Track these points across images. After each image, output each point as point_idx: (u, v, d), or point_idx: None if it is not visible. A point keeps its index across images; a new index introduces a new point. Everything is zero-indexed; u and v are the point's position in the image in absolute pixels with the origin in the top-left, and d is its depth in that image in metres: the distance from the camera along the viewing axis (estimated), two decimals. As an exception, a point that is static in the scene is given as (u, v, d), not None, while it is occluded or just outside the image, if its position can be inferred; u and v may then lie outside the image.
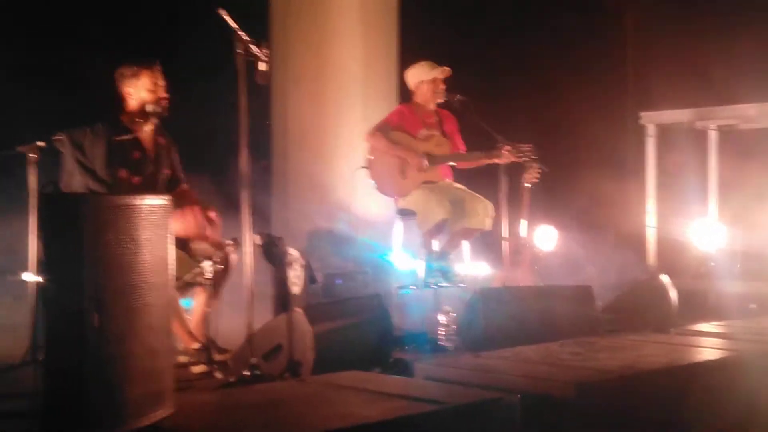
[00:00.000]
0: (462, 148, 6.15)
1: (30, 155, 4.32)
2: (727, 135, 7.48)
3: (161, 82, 4.72)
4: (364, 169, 6.02)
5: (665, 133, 7.42)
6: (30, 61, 7.01)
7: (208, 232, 4.75)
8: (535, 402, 3.34)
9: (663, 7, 8.69)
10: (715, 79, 7.82)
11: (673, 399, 3.69)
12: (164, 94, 4.71)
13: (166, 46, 6.80)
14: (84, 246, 2.95)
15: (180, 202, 4.70)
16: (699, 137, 7.54)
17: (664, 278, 5.77)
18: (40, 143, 4.38)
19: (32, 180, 4.32)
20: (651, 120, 7.39)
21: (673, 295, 5.68)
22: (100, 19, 7.28)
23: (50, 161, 4.49)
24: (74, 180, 4.51)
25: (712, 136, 7.43)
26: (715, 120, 7.32)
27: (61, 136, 4.51)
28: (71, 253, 2.96)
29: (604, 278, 6.51)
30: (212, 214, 4.76)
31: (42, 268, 3.02)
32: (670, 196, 7.41)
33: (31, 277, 4.25)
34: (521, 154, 5.72)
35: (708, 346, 4.36)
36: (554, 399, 3.37)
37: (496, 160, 5.75)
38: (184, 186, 4.93)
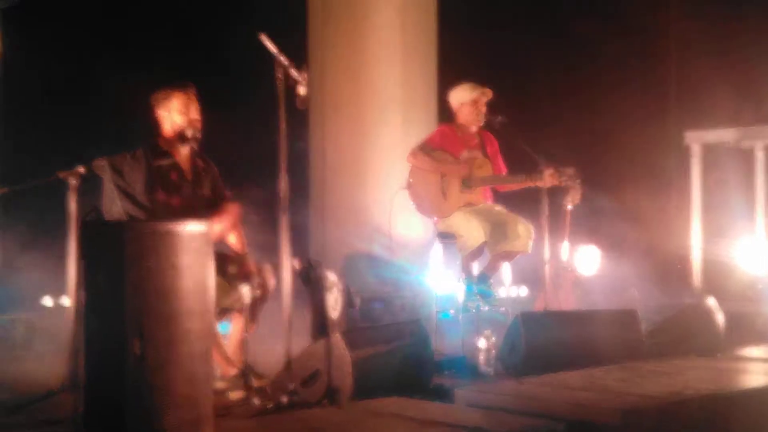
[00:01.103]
0: (503, 170, 6.11)
1: (70, 181, 4.35)
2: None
3: (194, 105, 4.74)
4: (405, 191, 6.01)
5: (710, 152, 7.33)
6: (70, 86, 7.10)
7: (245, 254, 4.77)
8: (580, 429, 3.30)
9: (707, 25, 8.60)
10: (760, 98, 7.71)
11: (721, 426, 3.61)
12: (196, 116, 4.73)
13: (207, 70, 6.87)
14: (125, 273, 2.97)
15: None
16: (745, 157, 7.44)
17: (711, 301, 5.67)
18: (80, 169, 4.41)
19: (72, 206, 4.34)
20: (696, 140, 7.33)
21: (719, 318, 5.57)
22: (141, 44, 7.37)
23: (88, 187, 4.52)
24: (114, 205, 4.54)
25: (759, 155, 7.32)
26: (761, 139, 7.23)
27: (101, 162, 4.55)
28: (113, 280, 2.98)
29: (648, 301, 6.42)
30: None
31: (83, 294, 3.03)
32: (716, 217, 7.31)
33: (71, 302, 4.27)
34: (564, 178, 5.66)
35: (756, 371, 4.28)
36: (599, 426, 3.33)
37: (538, 183, 5.69)
38: (234, 206, 4.93)
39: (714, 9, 8.62)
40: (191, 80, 4.81)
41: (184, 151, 4.76)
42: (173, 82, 4.75)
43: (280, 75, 4.18)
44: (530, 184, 5.80)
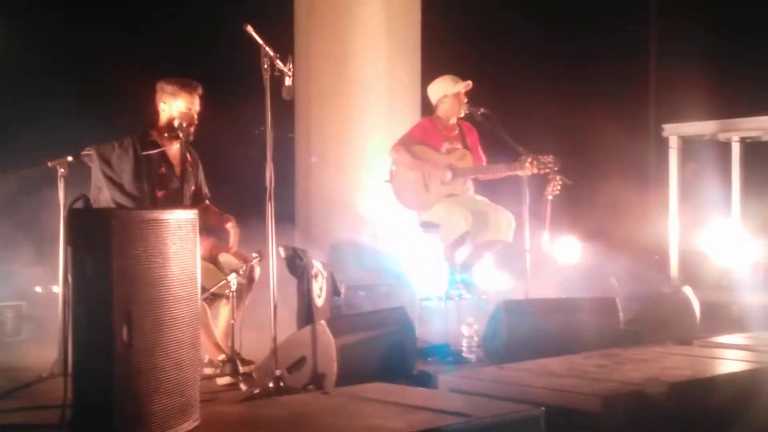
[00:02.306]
0: (483, 160, 6.17)
1: (59, 170, 4.37)
2: (750, 146, 7.45)
3: (196, 108, 4.74)
4: (387, 183, 6.05)
5: (688, 144, 7.41)
6: (59, 75, 7.10)
7: (229, 246, 4.80)
8: (560, 415, 3.35)
9: (686, 19, 8.68)
10: (737, 91, 7.81)
11: (698, 411, 3.69)
12: (194, 121, 4.74)
13: (193, 60, 6.89)
14: (113, 260, 2.99)
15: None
16: (722, 149, 7.53)
17: (687, 290, 5.76)
18: (69, 158, 4.43)
19: (61, 194, 4.37)
20: (674, 132, 7.39)
21: (696, 306, 5.66)
22: (132, 34, 7.38)
23: (78, 175, 4.55)
24: (102, 194, 4.57)
25: (735, 147, 7.41)
26: (738, 132, 7.30)
27: (89, 151, 4.57)
28: (100, 268, 3.00)
29: (626, 290, 6.50)
30: (229, 225, 4.82)
31: (72, 281, 3.06)
32: (693, 208, 7.39)
33: (60, 290, 4.30)
34: (543, 166, 5.73)
35: (731, 358, 4.35)
36: (579, 412, 3.38)
37: (518, 172, 5.75)
38: (207, 203, 4.98)
39: (693, 5, 8.71)
40: (179, 69, 4.83)
41: (174, 144, 4.79)
42: (184, 78, 4.74)
43: (266, 66, 4.22)
44: (511, 173, 5.86)
